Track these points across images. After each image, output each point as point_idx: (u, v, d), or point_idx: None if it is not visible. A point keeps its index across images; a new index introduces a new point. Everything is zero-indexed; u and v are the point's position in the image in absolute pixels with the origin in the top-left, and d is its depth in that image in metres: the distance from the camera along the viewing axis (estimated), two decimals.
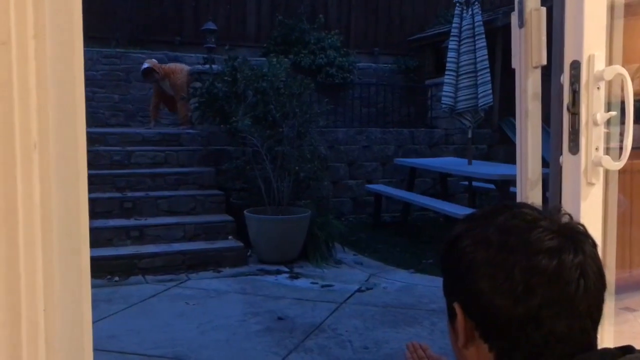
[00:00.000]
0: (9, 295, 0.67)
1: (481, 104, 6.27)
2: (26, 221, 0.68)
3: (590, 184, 1.18)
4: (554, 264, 0.72)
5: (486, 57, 6.25)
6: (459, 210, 5.77)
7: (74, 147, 0.71)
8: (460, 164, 6.82)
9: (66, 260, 0.71)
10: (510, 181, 5.67)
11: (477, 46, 6.22)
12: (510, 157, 7.61)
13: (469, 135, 6.66)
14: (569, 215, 0.79)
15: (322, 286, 4.90)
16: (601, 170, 1.19)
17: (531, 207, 0.80)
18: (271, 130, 5.79)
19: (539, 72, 1.35)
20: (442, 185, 7.41)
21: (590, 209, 1.17)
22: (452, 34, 6.47)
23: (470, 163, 6.55)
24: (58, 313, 0.70)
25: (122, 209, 5.70)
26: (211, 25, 8.07)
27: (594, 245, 0.77)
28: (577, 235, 0.75)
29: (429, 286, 4.73)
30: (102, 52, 8.32)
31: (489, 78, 6.31)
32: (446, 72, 6.51)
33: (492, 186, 6.45)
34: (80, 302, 0.72)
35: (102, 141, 6.31)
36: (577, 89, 1.17)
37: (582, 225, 0.78)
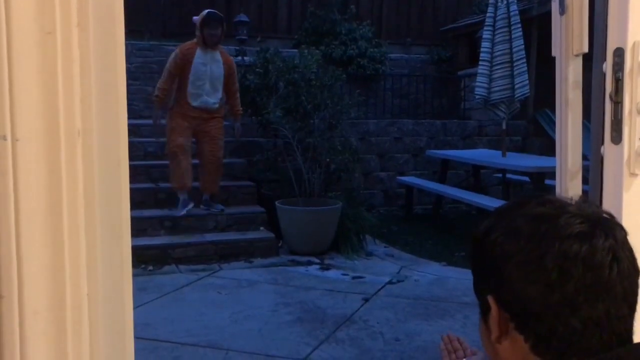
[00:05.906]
0: (55, 281, 0.68)
1: (518, 94, 6.17)
2: (70, 208, 0.69)
3: (633, 175, 1.15)
4: (585, 248, 0.71)
5: (523, 47, 6.14)
6: (493, 203, 5.69)
7: (116, 135, 0.72)
8: (494, 156, 6.72)
9: (108, 247, 0.73)
10: (545, 173, 5.56)
11: (513, 36, 6.10)
12: (545, 149, 7.47)
13: (503, 127, 6.56)
14: (596, 204, 0.79)
15: (353, 278, 4.90)
16: None
17: (557, 197, 0.80)
18: (302, 122, 5.79)
19: (580, 60, 1.32)
20: (475, 178, 7.32)
21: (633, 200, 1.14)
22: (486, 23, 6.37)
23: (504, 155, 6.45)
24: (101, 298, 0.72)
25: (156, 199, 5.78)
26: (243, 17, 8.12)
27: (624, 231, 0.76)
28: (606, 221, 0.75)
29: (461, 279, 4.68)
30: (135, 45, 8.41)
31: (526, 68, 6.19)
32: (480, 63, 6.42)
33: (526, 179, 6.34)
34: (121, 287, 0.74)
35: (136, 132, 6.41)
36: (620, 77, 1.14)
37: (610, 214, 0.78)
